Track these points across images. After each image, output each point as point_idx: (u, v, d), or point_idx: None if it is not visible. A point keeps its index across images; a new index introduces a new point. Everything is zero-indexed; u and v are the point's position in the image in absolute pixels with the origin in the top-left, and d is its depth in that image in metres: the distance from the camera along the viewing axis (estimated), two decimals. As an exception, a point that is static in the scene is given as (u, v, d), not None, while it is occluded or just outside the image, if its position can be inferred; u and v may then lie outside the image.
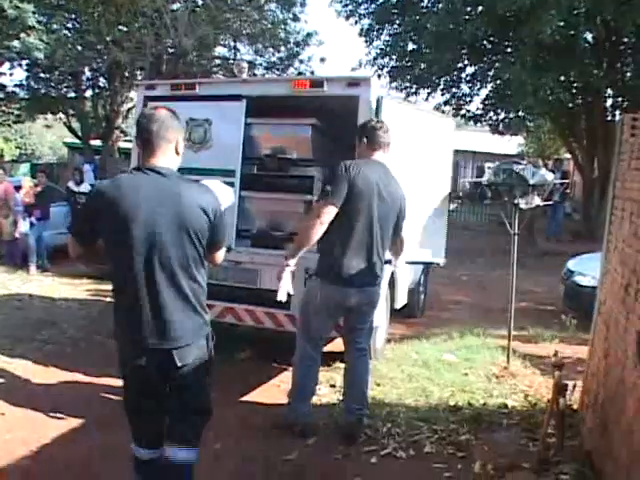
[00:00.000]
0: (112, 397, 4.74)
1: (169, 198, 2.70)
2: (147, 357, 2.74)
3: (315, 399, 5.04)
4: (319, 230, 4.02)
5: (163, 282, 2.70)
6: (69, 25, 18.44)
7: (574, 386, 4.00)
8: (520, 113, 17.34)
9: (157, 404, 2.88)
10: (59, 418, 4.53)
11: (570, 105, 16.65)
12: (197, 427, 2.91)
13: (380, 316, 6.08)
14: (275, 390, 5.38)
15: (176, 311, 2.74)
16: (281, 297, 4.15)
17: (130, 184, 2.73)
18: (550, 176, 5.80)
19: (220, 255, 3.02)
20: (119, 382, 2.99)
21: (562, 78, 15.12)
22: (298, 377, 4.47)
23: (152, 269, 2.68)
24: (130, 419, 2.94)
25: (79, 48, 17.37)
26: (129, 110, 20.15)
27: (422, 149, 5.99)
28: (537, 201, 5.75)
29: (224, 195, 3.11)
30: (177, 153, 2.87)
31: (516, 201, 5.66)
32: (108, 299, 3.12)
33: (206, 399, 2.94)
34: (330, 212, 4.00)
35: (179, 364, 2.76)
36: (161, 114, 2.82)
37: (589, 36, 14.82)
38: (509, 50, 16.65)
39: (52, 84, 19.88)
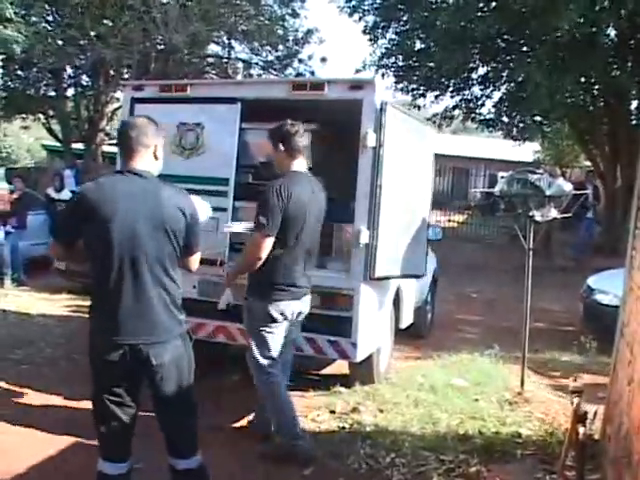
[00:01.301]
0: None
1: (147, 197, 3.07)
2: (120, 353, 3.01)
3: (313, 426, 5.07)
4: (259, 263, 4.33)
5: (139, 278, 3.03)
6: (49, 18, 18.36)
7: (595, 414, 4.01)
8: (536, 117, 17.37)
9: (126, 408, 3.13)
10: (34, 445, 4.52)
11: (590, 108, 16.70)
12: (190, 436, 3.25)
13: (383, 336, 6.12)
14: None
15: (150, 307, 3.05)
16: (221, 306, 4.87)
17: (110, 185, 3.10)
18: (568, 186, 5.83)
19: (195, 261, 3.36)
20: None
21: (582, 79, 15.16)
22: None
23: (129, 265, 3.01)
24: (98, 425, 3.16)
25: (60, 43, 17.26)
26: (114, 111, 20.12)
27: (413, 158, 6.07)
28: (554, 213, 5.79)
29: (201, 209, 3.45)
30: (156, 158, 3.26)
31: (531, 213, 5.70)
32: (88, 316, 3.22)
33: (190, 401, 3.24)
34: (268, 245, 4.29)
35: (154, 362, 3.04)
36: (139, 121, 3.26)
37: (612, 32, 14.86)
38: (524, 49, 16.71)
39: (30, 82, 19.83)
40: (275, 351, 4.46)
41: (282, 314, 4.42)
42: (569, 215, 6.15)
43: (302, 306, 4.58)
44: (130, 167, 3.17)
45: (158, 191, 3.12)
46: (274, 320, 4.41)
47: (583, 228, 15.76)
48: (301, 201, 4.32)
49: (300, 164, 4.51)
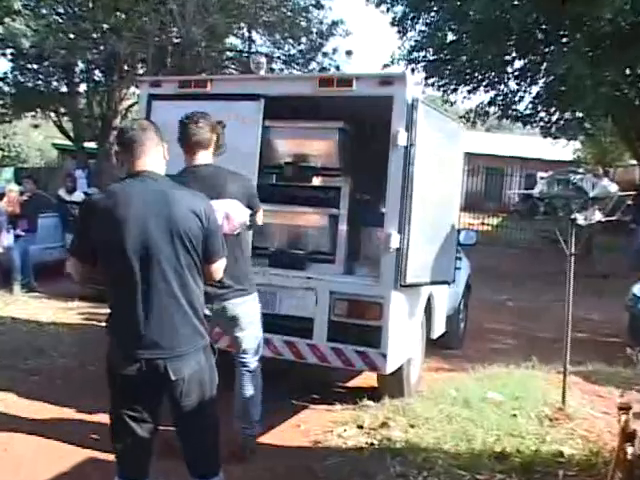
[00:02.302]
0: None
1: (160, 202, 3.04)
2: (136, 367, 3.00)
3: (340, 442, 5.08)
4: None
5: (154, 287, 3.00)
6: (60, 10, 18.57)
7: (644, 432, 3.98)
8: (578, 114, 17.22)
9: (144, 424, 3.13)
10: (47, 460, 4.56)
11: (637, 102, 16.53)
12: (212, 454, 3.28)
13: (414, 347, 6.12)
14: (294, 431, 5.42)
15: (167, 319, 3.02)
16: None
17: (121, 192, 3.09)
18: (614, 187, 5.78)
19: (217, 269, 3.31)
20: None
21: (627, 71, 15.01)
22: None
23: (145, 276, 2.98)
24: (115, 441, 3.17)
25: (71, 36, 17.45)
26: (128, 108, 20.27)
27: (444, 158, 6.07)
28: (598, 216, 5.74)
29: (239, 214, 3.56)
30: (164, 158, 3.26)
31: (573, 216, 5.67)
32: (104, 324, 3.26)
33: (212, 418, 3.25)
34: None
35: (173, 377, 3.02)
36: (144, 123, 3.32)
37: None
38: (564, 40, 16.59)
39: (41, 77, 20.03)
40: None
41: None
42: (614, 218, 6.09)
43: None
44: (139, 169, 3.14)
45: (170, 193, 3.10)
46: None
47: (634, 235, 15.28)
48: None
49: (204, 157, 4.44)
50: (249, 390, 4.74)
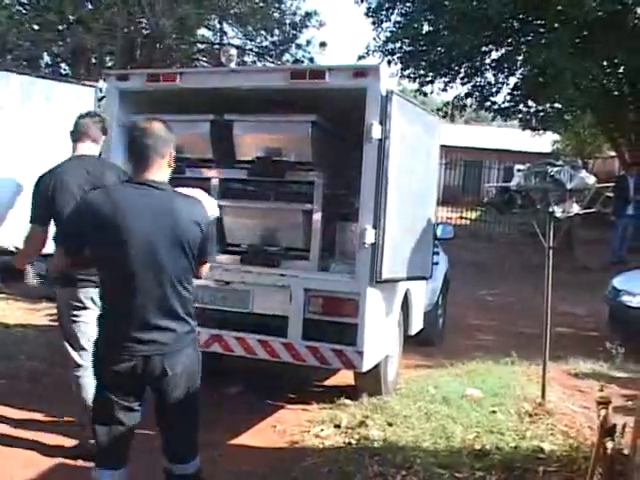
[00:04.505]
0: (79, 442, 4.78)
1: (165, 213, 3.20)
2: (132, 364, 3.17)
3: (317, 442, 5.08)
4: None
5: (155, 291, 3.17)
6: (24, 0, 18.38)
7: (624, 426, 4.00)
8: (556, 105, 17.31)
9: (130, 413, 3.31)
10: (11, 467, 4.50)
11: (616, 93, 16.65)
12: (193, 440, 3.42)
13: (391, 344, 6.13)
14: (270, 432, 5.42)
15: (166, 319, 3.21)
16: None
17: (125, 198, 3.21)
18: (592, 179, 5.82)
19: (206, 268, 3.59)
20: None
21: (605, 62, 15.12)
22: None
23: (146, 280, 3.15)
24: (98, 430, 3.32)
25: (36, 28, 17.29)
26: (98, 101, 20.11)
27: (420, 151, 6.09)
28: (576, 209, 5.79)
29: (209, 207, 3.63)
30: (169, 166, 3.36)
31: (551, 209, 5.70)
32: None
33: (196, 406, 3.41)
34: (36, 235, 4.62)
35: (170, 373, 3.20)
36: (156, 128, 3.30)
37: (639, 10, 14.83)
38: (542, 30, 16.68)
39: (3, 70, 19.79)
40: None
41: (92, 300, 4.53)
42: (593, 210, 6.15)
43: None
44: (143, 178, 3.24)
45: (174, 205, 3.24)
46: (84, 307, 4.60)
47: (621, 226, 15.32)
48: (69, 186, 4.52)
49: (85, 149, 4.74)
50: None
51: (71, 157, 4.76)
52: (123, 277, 3.16)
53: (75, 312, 4.62)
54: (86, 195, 3.59)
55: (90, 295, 4.50)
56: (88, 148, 4.78)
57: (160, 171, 3.29)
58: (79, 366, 4.61)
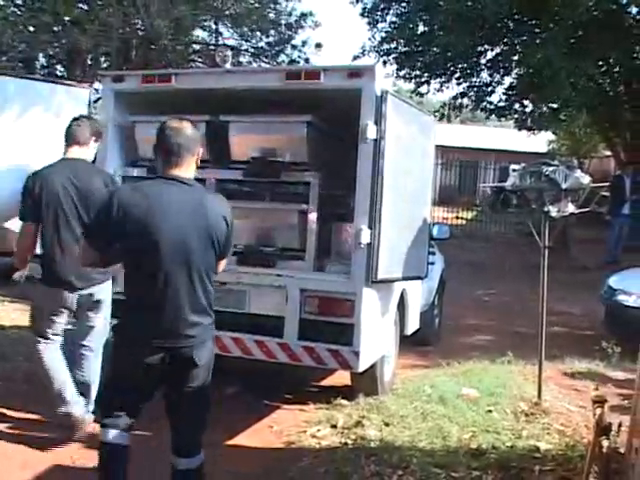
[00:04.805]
0: (79, 443, 4.78)
1: (196, 209, 3.38)
2: (160, 356, 3.34)
3: (314, 442, 5.09)
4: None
5: (186, 286, 3.35)
6: (18, 1, 18.29)
7: (620, 425, 4.01)
8: (552, 105, 17.30)
9: (140, 401, 3.54)
10: (9, 469, 4.49)
11: (611, 93, 16.66)
12: (200, 434, 3.57)
13: (387, 344, 6.14)
14: (267, 432, 5.42)
15: (194, 312, 3.39)
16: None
17: (157, 194, 3.36)
18: (586, 179, 5.84)
19: (225, 263, 3.76)
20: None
21: (600, 61, 15.12)
22: None
23: (178, 274, 3.32)
24: (112, 383, 3.62)
25: (31, 29, 17.20)
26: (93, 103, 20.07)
27: (415, 151, 6.10)
28: (571, 208, 5.80)
29: None
30: (197, 164, 3.56)
31: (546, 208, 5.72)
32: (119, 319, 3.43)
33: (208, 400, 3.59)
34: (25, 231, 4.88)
35: (198, 363, 3.38)
36: (187, 128, 3.50)
37: (634, 10, 14.85)
38: (537, 30, 16.70)
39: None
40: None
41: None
42: (588, 210, 6.16)
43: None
44: (173, 174, 3.41)
45: (204, 201, 3.44)
46: None
47: (617, 226, 15.40)
48: (54, 186, 4.76)
49: (74, 152, 4.93)
50: (89, 374, 5.06)
51: (61, 159, 4.95)
52: (154, 271, 3.29)
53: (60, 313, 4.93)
54: (116, 190, 3.74)
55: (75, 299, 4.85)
56: (77, 152, 4.94)
57: (189, 168, 3.47)
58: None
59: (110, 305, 5.08)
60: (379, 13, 18.44)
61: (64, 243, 4.77)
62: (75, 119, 5.08)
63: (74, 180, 4.77)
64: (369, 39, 18.84)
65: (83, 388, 5.00)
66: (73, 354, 5.06)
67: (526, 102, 18.73)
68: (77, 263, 4.54)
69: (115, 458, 3.55)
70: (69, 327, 5.11)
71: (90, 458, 4.66)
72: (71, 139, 4.96)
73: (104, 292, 5.00)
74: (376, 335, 5.65)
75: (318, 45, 21.90)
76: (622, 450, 4.43)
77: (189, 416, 3.53)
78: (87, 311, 4.99)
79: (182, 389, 3.45)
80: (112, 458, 3.56)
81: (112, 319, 5.00)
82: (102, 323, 5.06)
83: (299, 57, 20.54)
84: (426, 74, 18.67)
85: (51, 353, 4.97)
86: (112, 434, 3.50)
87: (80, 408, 4.88)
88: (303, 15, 20.65)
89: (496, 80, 19.01)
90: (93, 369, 5.08)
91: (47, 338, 4.99)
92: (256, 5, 19.75)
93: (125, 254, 3.45)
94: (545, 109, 18.31)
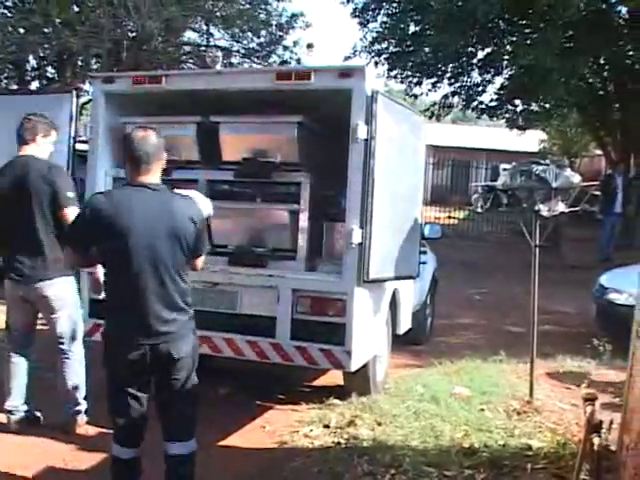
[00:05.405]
0: (69, 445, 4.77)
1: (163, 212, 3.54)
2: (140, 352, 3.49)
3: (306, 442, 5.09)
4: None
5: (157, 285, 3.50)
6: (8, 3, 18.28)
7: (611, 423, 4.02)
8: (545, 105, 17.33)
9: (142, 399, 3.63)
10: (6, 471, 4.48)
11: (601, 93, 16.71)
12: (190, 421, 3.71)
13: (380, 343, 6.15)
14: (260, 432, 5.42)
15: (169, 309, 3.55)
16: None
17: (126, 200, 3.54)
18: (577, 178, 5.85)
19: (202, 261, 3.88)
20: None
21: (591, 61, 15.16)
22: None
23: (148, 274, 3.48)
24: (114, 417, 3.66)
25: (21, 31, 17.17)
26: (83, 105, 20.01)
27: (406, 151, 6.11)
28: (561, 207, 5.82)
29: (203, 206, 3.89)
30: (161, 168, 3.70)
31: (537, 208, 5.73)
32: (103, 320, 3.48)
33: (196, 388, 3.71)
34: None
35: (176, 356, 3.54)
36: (151, 136, 3.61)
37: (623, 10, 14.88)
38: (527, 31, 16.73)
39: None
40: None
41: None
42: (578, 209, 6.18)
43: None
44: (140, 181, 3.57)
45: (171, 203, 3.60)
46: None
47: (608, 224, 15.48)
48: (4, 185, 4.94)
49: (29, 150, 5.04)
50: (72, 378, 5.15)
51: (13, 158, 5.10)
52: (127, 273, 3.47)
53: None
54: (90, 198, 3.86)
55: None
56: (25, 149, 5.06)
57: (155, 174, 3.62)
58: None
59: (74, 304, 5.19)
60: (370, 13, 18.48)
61: (18, 237, 4.93)
62: (24, 118, 5.15)
63: (13, 178, 4.92)
64: (360, 39, 18.92)
65: (70, 393, 5.13)
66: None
67: (517, 101, 18.76)
68: (32, 257, 4.88)
69: (127, 474, 3.73)
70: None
71: (82, 460, 4.69)
72: (20, 139, 5.08)
73: (54, 289, 5.01)
74: (368, 335, 5.66)
75: (310, 45, 21.68)
76: (613, 447, 4.45)
77: (176, 404, 3.66)
78: (43, 308, 5.11)
79: (168, 382, 3.61)
80: (124, 473, 3.72)
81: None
82: (65, 323, 5.13)
83: (290, 58, 20.54)
84: (417, 74, 18.69)
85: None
86: (123, 449, 3.67)
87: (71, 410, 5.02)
88: (294, 16, 20.67)
89: (487, 80, 19.04)
90: (74, 371, 5.17)
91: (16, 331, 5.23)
92: (247, 6, 19.76)
93: (101, 256, 3.65)
94: (536, 107, 18.34)
